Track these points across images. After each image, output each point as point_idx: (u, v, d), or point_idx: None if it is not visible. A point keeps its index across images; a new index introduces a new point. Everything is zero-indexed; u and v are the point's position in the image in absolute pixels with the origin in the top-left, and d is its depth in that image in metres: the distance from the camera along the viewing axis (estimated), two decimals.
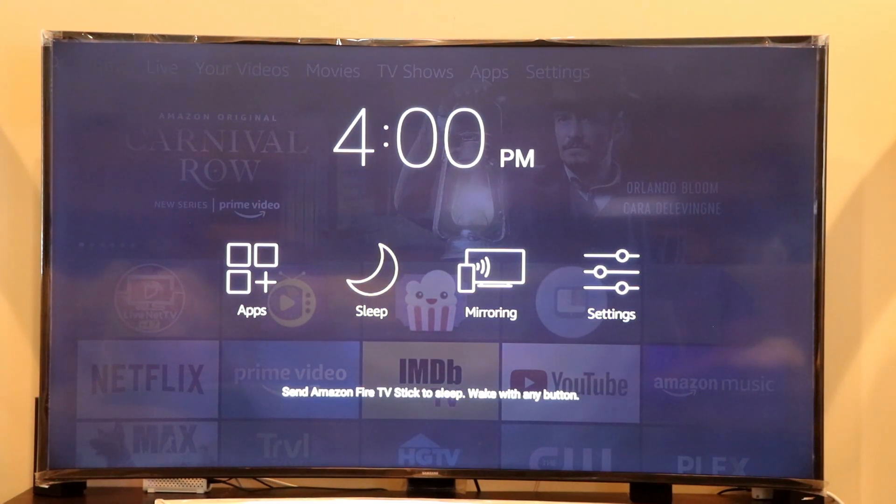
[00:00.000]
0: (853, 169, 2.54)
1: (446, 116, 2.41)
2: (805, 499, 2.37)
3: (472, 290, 2.42)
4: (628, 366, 2.40)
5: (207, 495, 2.47)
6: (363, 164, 2.41)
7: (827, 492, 2.38)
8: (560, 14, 2.57)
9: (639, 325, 2.40)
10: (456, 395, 2.41)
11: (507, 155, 2.42)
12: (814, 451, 2.36)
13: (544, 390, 2.41)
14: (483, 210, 2.42)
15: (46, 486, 2.43)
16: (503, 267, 2.42)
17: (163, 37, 2.39)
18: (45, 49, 2.37)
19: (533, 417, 2.40)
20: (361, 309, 2.42)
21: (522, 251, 2.41)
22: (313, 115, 2.41)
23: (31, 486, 2.48)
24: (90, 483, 2.50)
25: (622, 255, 2.40)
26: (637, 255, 2.39)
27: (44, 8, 2.55)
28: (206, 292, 2.41)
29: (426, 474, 2.41)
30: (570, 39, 2.40)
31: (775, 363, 2.37)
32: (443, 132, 2.41)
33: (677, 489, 2.44)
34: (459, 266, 2.42)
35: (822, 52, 2.36)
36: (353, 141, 2.41)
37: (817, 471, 2.35)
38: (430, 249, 2.42)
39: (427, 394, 2.41)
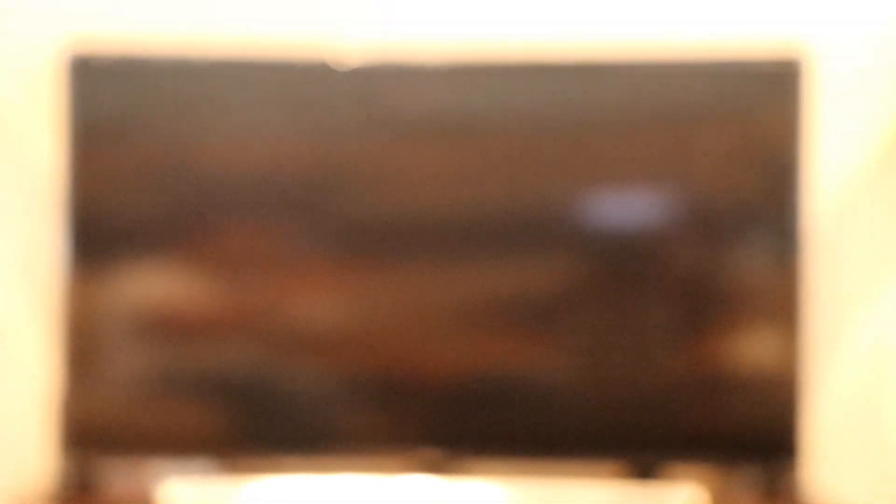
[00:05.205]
0: (838, 175, 2.58)
1: (445, 125, 2.50)
2: (792, 492, 2.43)
3: None
4: (620, 353, 2.47)
5: (222, 480, 2.50)
6: (365, 170, 2.49)
7: (814, 485, 2.45)
8: (545, 26, 2.59)
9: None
10: None
11: None
12: (798, 440, 2.43)
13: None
14: None
15: (66, 475, 2.49)
16: None
17: (179, 51, 2.48)
18: (67, 62, 2.46)
19: (532, 399, 2.47)
20: None
21: None
22: (321, 129, 2.49)
23: (51, 475, 2.53)
24: (108, 472, 2.53)
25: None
26: (631, 255, 2.48)
27: (63, 20, 2.58)
28: (221, 292, 2.49)
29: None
30: (559, 59, 2.46)
31: (764, 359, 2.45)
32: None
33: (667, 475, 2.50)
34: None
35: (807, 63, 2.43)
36: (356, 147, 2.48)
37: (800, 457, 2.43)
38: None
39: None
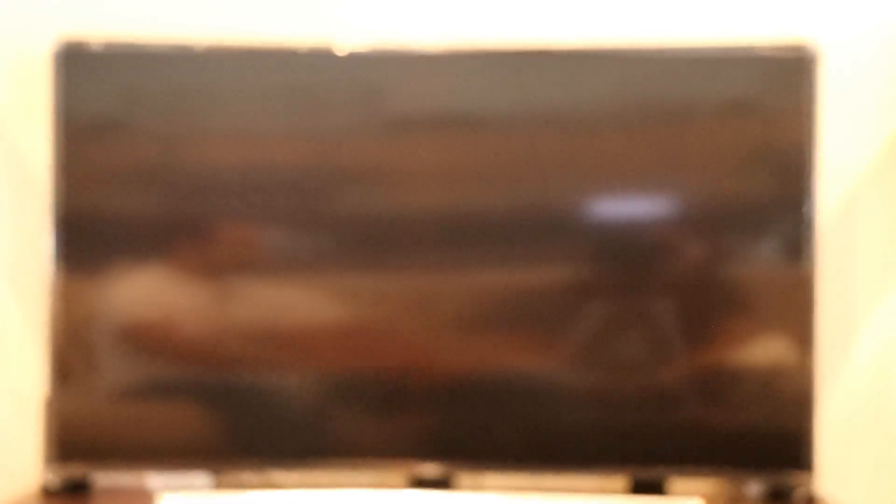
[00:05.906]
0: (846, 172, 2.56)
1: (445, 121, 2.45)
2: (799, 496, 2.40)
3: None
4: (627, 362, 2.43)
5: (212, 490, 2.51)
6: (365, 169, 2.45)
7: (821, 489, 2.41)
8: (549, 17, 2.57)
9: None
10: None
11: None
12: (808, 450, 2.39)
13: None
14: None
15: (53, 484, 2.46)
16: None
17: (172, 41, 2.42)
18: (54, 53, 2.41)
19: (533, 411, 2.44)
20: None
21: None
22: (319, 121, 2.44)
23: (38, 484, 2.51)
24: (96, 481, 2.52)
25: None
26: (634, 256, 2.43)
27: (53, 12, 2.56)
28: (213, 293, 2.45)
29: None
30: (563, 46, 2.43)
31: (770, 362, 2.41)
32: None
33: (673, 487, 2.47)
34: None
35: (817, 56, 2.40)
36: (356, 146, 2.44)
37: (811, 468, 2.39)
38: None
39: None
